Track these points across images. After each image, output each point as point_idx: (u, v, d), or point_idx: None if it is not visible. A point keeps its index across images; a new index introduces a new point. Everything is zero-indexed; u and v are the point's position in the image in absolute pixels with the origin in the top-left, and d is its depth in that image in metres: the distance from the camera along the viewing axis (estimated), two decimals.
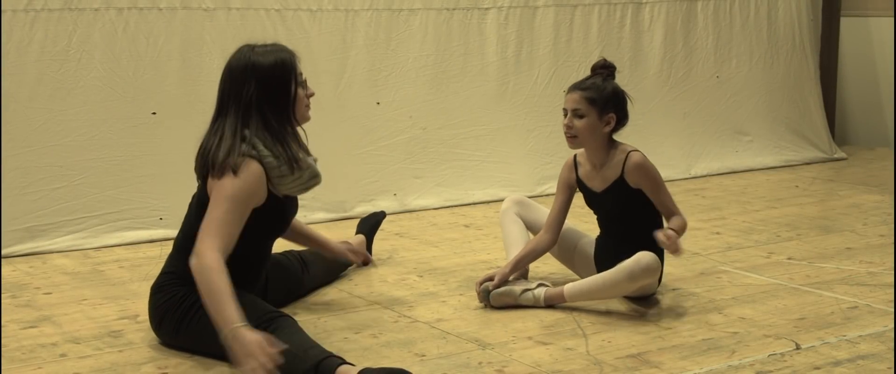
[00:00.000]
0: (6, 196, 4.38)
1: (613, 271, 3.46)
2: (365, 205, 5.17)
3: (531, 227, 3.84)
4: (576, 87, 3.59)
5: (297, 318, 3.43)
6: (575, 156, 3.73)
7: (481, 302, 3.59)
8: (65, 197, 4.51)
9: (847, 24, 7.23)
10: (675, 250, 3.35)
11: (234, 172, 3.00)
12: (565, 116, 3.59)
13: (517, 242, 3.74)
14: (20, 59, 4.40)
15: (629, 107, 3.62)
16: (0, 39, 4.34)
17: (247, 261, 3.20)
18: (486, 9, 5.60)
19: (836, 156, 6.88)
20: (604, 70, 3.61)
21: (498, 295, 3.54)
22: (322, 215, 5.05)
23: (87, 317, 3.51)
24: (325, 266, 3.87)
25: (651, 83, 6.22)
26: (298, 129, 3.22)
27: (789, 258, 4.27)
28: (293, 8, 5.02)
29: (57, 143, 4.50)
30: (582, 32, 5.92)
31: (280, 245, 4.24)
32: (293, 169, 3.11)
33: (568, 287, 3.52)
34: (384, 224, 4.91)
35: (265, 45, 3.15)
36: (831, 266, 4.13)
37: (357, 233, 4.18)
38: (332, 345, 3.16)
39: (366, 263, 4.16)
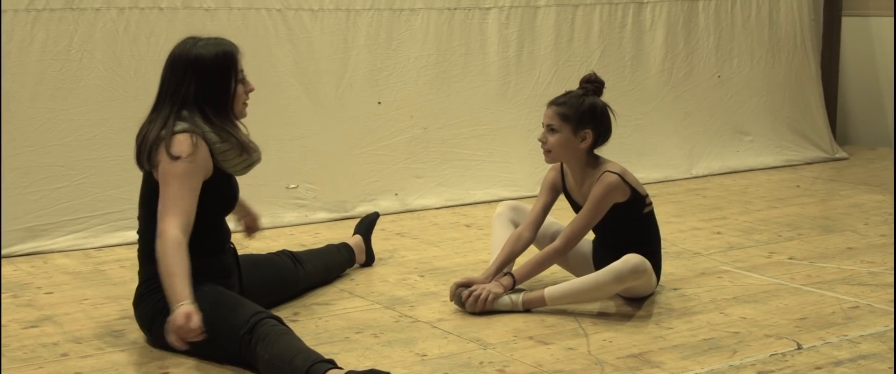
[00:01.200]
0: (8, 196, 4.38)
1: (600, 272, 3.45)
2: (366, 205, 5.17)
3: None
4: (552, 102, 3.58)
5: (296, 318, 3.44)
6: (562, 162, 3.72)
7: (457, 306, 3.57)
8: (66, 197, 4.51)
9: (848, 24, 7.22)
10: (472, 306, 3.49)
11: (169, 151, 3.04)
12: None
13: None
14: (22, 58, 4.40)
15: (613, 122, 3.59)
16: (1, 39, 4.34)
17: (208, 236, 3.20)
18: (488, 8, 5.60)
19: (837, 156, 6.88)
20: (589, 85, 3.58)
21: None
22: (323, 215, 5.05)
23: (88, 317, 3.51)
24: (325, 263, 3.87)
25: (652, 83, 6.22)
26: (238, 123, 3.25)
27: (790, 258, 4.27)
28: (295, 7, 5.02)
29: (58, 142, 4.50)
30: (583, 32, 5.92)
31: (273, 246, 4.25)
32: (241, 152, 3.16)
33: (549, 290, 3.50)
34: (385, 224, 4.91)
35: (208, 39, 3.17)
36: (832, 266, 4.13)
37: (354, 234, 4.18)
38: (333, 345, 3.17)
39: (370, 262, 4.16)
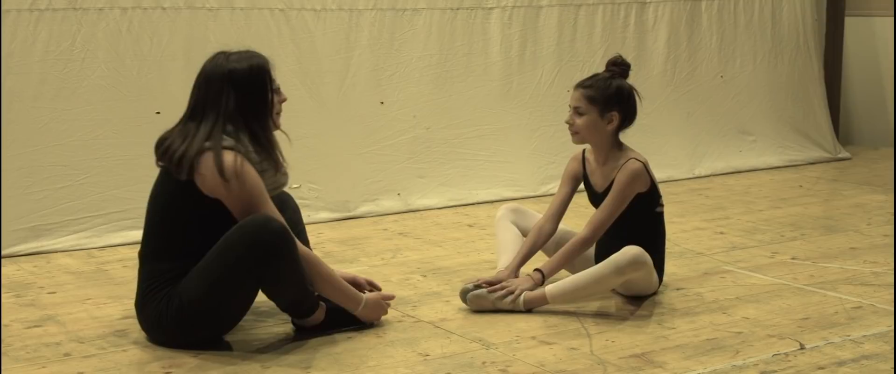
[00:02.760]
0: (10, 196, 4.38)
1: (599, 265, 3.45)
2: (368, 204, 5.17)
3: (526, 234, 3.82)
4: (579, 84, 3.62)
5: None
6: (584, 150, 3.73)
7: (462, 303, 3.55)
8: (69, 197, 4.51)
9: (851, 24, 7.22)
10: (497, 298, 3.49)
11: (222, 166, 3.02)
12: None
13: (511, 248, 3.73)
14: (24, 58, 4.40)
15: (638, 105, 3.62)
16: (2, 39, 4.34)
17: (209, 237, 3.12)
18: (490, 8, 5.60)
19: (839, 156, 6.88)
20: (615, 68, 3.62)
21: (475, 298, 3.51)
22: (326, 215, 5.05)
23: (91, 316, 3.51)
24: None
25: (655, 83, 6.22)
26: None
27: (793, 258, 4.27)
28: (297, 7, 5.02)
29: (61, 142, 4.50)
30: (586, 32, 5.92)
31: None
32: (275, 173, 3.16)
33: (549, 288, 3.50)
34: (388, 224, 4.92)
35: (239, 52, 3.17)
36: (835, 266, 4.13)
37: None
38: (336, 345, 3.17)
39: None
